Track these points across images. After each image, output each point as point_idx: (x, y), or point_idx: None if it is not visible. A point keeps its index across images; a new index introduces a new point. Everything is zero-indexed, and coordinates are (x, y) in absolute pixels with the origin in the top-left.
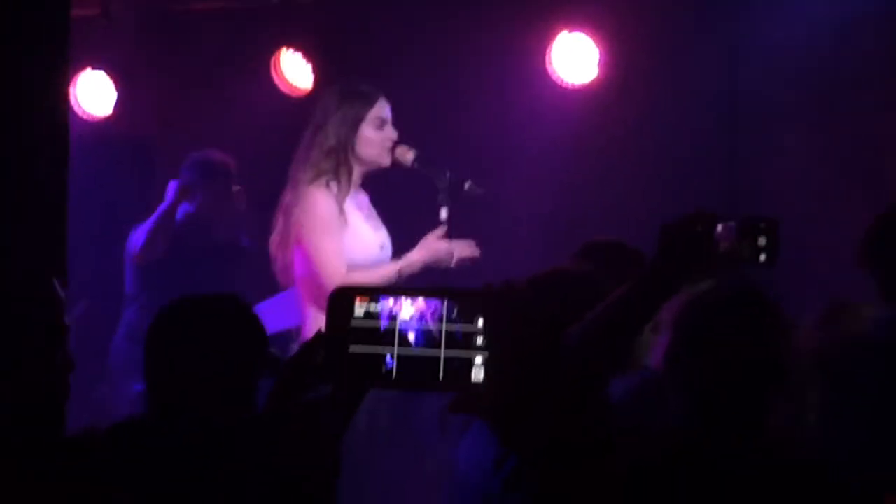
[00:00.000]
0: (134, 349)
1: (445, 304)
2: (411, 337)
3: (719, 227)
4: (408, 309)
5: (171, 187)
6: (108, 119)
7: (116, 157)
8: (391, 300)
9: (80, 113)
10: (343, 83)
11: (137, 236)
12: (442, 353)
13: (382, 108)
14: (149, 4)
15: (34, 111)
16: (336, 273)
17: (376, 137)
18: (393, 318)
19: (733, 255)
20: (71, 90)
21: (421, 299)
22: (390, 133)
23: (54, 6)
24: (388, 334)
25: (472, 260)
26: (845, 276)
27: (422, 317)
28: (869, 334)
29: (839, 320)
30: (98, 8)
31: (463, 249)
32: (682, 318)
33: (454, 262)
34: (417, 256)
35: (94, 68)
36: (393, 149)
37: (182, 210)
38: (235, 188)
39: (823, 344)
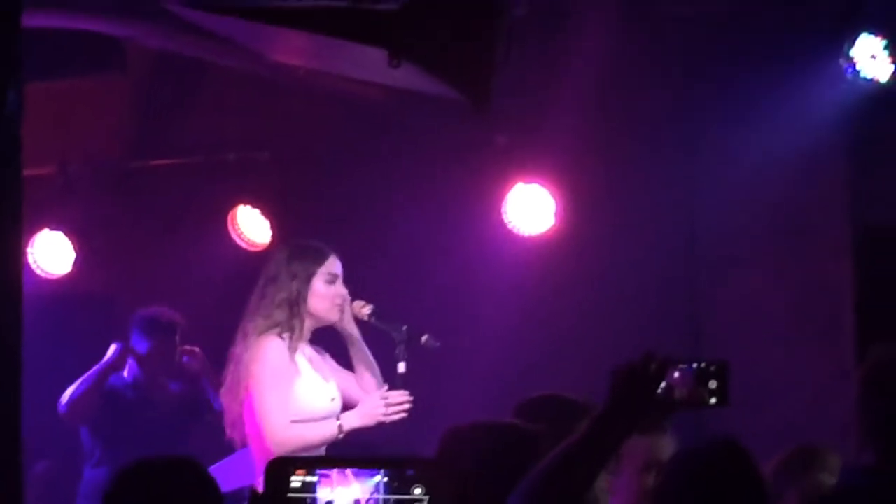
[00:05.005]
0: None
1: (382, 474)
2: None
3: (676, 374)
4: (342, 488)
5: (114, 348)
6: (66, 277)
7: (74, 316)
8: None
9: (38, 272)
10: (295, 240)
11: (66, 394)
12: None
13: (333, 265)
14: (106, 161)
15: None
16: (278, 426)
17: (327, 293)
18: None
19: (687, 399)
20: (28, 251)
21: (352, 474)
22: (340, 290)
23: (6, 166)
24: None
25: (406, 410)
26: (800, 417)
27: (356, 496)
28: (846, 483)
29: (811, 468)
30: (54, 167)
31: (399, 403)
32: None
33: (389, 419)
34: (355, 418)
35: (51, 228)
36: (341, 306)
37: (128, 368)
38: (189, 348)
39: (803, 492)
